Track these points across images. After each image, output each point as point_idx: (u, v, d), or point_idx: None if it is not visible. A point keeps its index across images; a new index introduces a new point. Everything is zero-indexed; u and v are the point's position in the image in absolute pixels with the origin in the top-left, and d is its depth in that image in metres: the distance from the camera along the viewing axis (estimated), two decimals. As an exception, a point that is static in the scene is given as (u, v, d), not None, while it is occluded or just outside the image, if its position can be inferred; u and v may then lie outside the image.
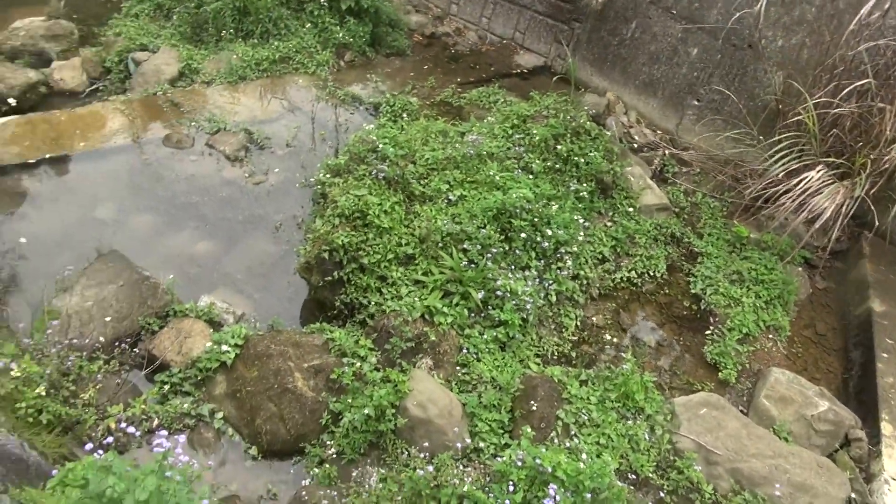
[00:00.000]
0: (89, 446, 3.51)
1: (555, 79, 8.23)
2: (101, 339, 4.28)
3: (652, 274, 5.88)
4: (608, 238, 5.94)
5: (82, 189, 5.82)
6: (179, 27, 7.93)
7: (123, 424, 3.72)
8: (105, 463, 2.63)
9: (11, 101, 6.70)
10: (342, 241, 4.71)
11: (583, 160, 6.04)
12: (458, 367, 4.54)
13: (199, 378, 4.28)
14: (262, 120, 6.84)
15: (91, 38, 8.36)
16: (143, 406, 3.96)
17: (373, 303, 4.77)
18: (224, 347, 4.30)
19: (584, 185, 6.04)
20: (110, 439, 3.66)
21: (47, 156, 5.88)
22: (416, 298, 4.71)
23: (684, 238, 6.26)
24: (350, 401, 4.04)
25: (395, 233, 4.97)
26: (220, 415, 4.19)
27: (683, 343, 5.41)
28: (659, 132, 7.78)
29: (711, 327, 5.49)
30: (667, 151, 7.40)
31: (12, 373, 3.45)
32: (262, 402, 4.12)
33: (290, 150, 6.58)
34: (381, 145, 5.41)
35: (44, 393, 3.50)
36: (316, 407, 4.15)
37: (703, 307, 5.63)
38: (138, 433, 3.83)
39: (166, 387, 4.20)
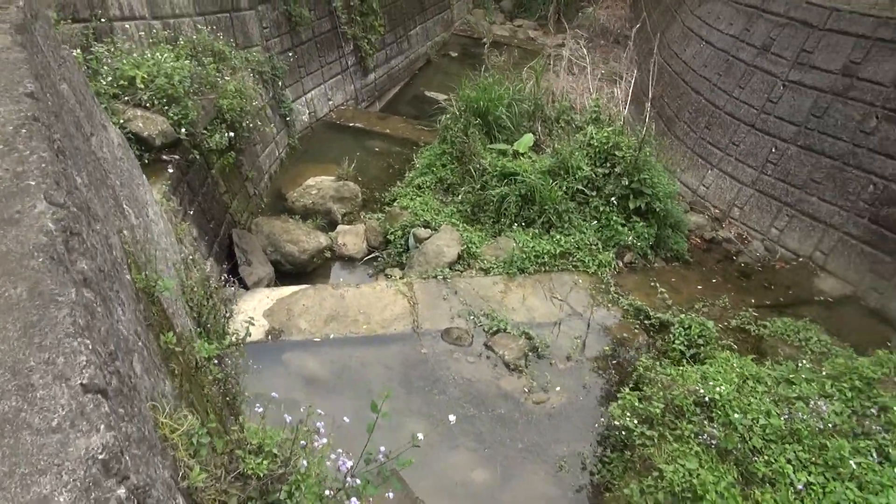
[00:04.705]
0: None
1: (869, 316, 6.98)
2: None
3: None
4: None
5: (360, 378, 5.50)
6: (461, 205, 7.86)
7: None
8: None
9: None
10: (668, 529, 3.77)
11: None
12: None
13: None
14: (541, 323, 6.27)
15: (372, 201, 8.60)
16: None
17: None
18: None
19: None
20: None
21: (331, 336, 5.69)
22: None
23: None
24: None
25: (731, 528, 3.93)
26: None
27: None
28: None
29: None
30: None
31: None
32: None
33: (572, 365, 5.88)
34: (720, 409, 4.48)
35: None
36: None
37: None
38: None
39: None
